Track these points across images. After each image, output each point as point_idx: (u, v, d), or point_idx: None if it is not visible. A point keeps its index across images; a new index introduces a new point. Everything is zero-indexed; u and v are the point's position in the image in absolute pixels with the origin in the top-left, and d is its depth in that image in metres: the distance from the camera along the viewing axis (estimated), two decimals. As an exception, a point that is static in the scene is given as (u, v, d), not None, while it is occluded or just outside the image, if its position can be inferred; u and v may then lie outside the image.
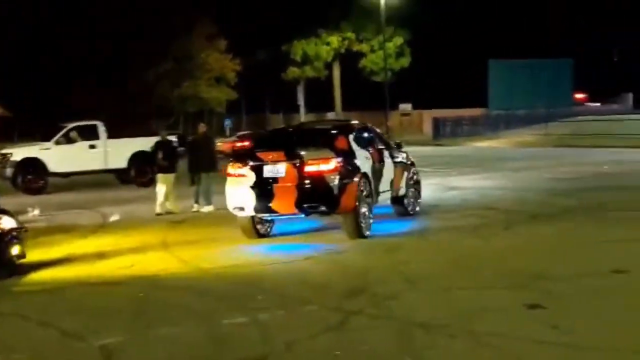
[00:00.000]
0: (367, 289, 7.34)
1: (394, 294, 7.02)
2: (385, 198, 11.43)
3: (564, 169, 20.88)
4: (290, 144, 10.40)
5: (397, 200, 11.97)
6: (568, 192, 14.82)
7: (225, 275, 8.40)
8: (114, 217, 13.95)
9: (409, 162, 12.41)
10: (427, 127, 51.31)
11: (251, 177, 10.04)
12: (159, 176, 14.42)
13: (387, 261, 8.78)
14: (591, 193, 14.44)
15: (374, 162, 10.89)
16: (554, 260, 8.44)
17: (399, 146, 12.47)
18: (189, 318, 6.63)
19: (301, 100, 66.20)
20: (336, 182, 9.83)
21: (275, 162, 10.01)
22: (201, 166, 14.45)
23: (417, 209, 12.40)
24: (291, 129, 12.73)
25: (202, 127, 15.50)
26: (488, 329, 5.79)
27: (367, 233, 10.22)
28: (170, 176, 14.39)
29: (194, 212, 14.29)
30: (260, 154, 10.22)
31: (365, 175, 10.39)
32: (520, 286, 7.12)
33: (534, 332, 5.68)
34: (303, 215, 10.29)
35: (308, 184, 9.86)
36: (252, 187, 9.99)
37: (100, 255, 9.97)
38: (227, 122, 58.10)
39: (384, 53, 49.70)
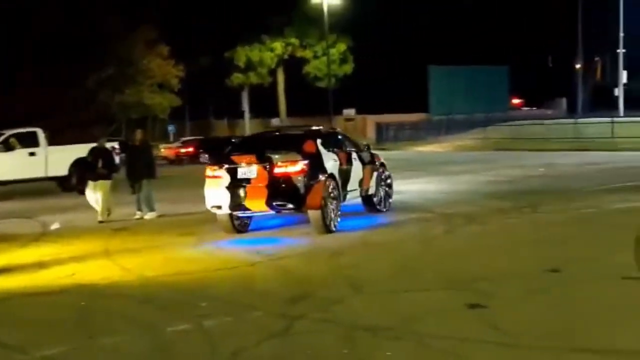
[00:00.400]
0: (312, 294, 7.40)
1: (339, 298, 7.10)
2: (353, 196, 12.38)
3: (502, 172, 21.47)
4: (262, 148, 11.32)
5: (367, 198, 13.00)
6: (505, 194, 15.24)
7: (169, 282, 8.34)
8: (55, 226, 13.67)
9: (378, 164, 13.40)
10: (371, 132, 51.83)
11: (226, 178, 10.98)
12: (96, 183, 14.14)
13: (331, 266, 8.86)
14: (527, 195, 14.91)
15: (341, 164, 11.83)
16: (492, 261, 8.67)
17: (368, 148, 13.47)
18: (133, 327, 6.56)
19: (245, 106, 65.94)
20: (302, 182, 10.79)
21: (247, 164, 10.94)
22: (140, 173, 14.32)
23: (388, 206, 13.30)
24: (264, 135, 13.62)
25: (139, 134, 15.29)
26: (431, 331, 5.91)
27: (334, 228, 11.09)
28: (106, 183, 14.20)
29: (137, 219, 14.13)
30: (234, 158, 11.20)
31: (331, 175, 11.34)
32: (461, 287, 7.29)
33: (474, 332, 5.82)
34: (274, 213, 11.27)
35: (277, 184, 10.79)
36: (228, 188, 10.92)
37: (41, 265, 9.76)
38: (171, 128, 57.54)
39: (328, 59, 50.02)
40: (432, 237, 10.56)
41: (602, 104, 60.60)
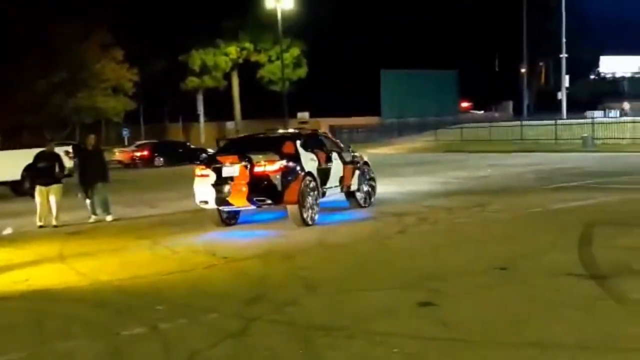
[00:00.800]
0: (267, 295, 7.50)
1: (294, 299, 7.21)
2: (333, 193, 13.47)
3: (453, 173, 21.94)
4: (244, 149, 12.38)
5: (350, 194, 14.18)
6: (455, 195, 15.62)
7: (124, 286, 8.33)
8: (7, 231, 13.46)
9: (361, 162, 14.49)
10: (325, 135, 52.06)
11: (212, 176, 12.04)
12: (49, 188, 13.98)
13: (286, 266, 8.97)
14: (476, 195, 15.33)
15: (320, 163, 12.84)
16: (442, 259, 8.91)
17: (350, 149, 14.62)
18: (88, 331, 6.56)
19: (201, 110, 65.55)
20: (280, 180, 11.80)
21: (231, 164, 11.98)
22: (94, 177, 14.25)
23: (371, 202, 14.40)
24: (250, 137, 14.55)
25: (92, 139, 15.17)
26: (384, 329, 6.07)
27: (311, 222, 12.12)
28: (60, 187, 14.08)
29: (92, 223, 14.05)
30: (219, 158, 12.36)
31: (309, 174, 12.36)
32: (412, 286, 7.48)
33: (426, 329, 6.00)
34: (255, 207, 12.27)
35: (257, 182, 11.82)
36: (213, 185, 11.99)
37: (-7, 271, 9.64)
38: (125, 132, 56.88)
39: (282, 63, 50.09)
40: (386, 236, 10.78)
41: (546, 106, 62.20)
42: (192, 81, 60.14)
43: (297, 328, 6.26)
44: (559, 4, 54.14)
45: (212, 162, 12.36)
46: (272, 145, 12.52)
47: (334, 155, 13.58)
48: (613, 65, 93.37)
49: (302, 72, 60.84)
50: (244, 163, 11.90)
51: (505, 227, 11.12)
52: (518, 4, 64.03)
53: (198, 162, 12.90)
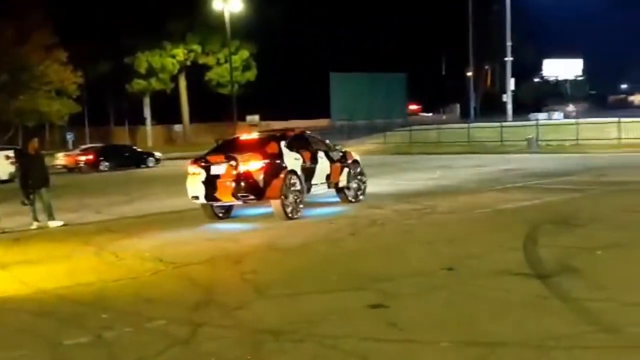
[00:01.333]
0: (215, 300, 7.40)
1: (243, 303, 7.13)
2: (319, 189, 14.36)
3: (401, 175, 22.17)
4: (231, 149, 13.47)
5: (339, 190, 15.16)
6: (404, 196, 15.75)
7: (68, 294, 8.11)
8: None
9: (350, 161, 15.34)
10: (276, 139, 52.05)
11: (202, 174, 13.08)
12: None
13: (234, 271, 8.88)
14: (424, 197, 15.48)
15: (304, 162, 13.75)
16: (392, 261, 8.96)
17: (337, 148, 15.46)
18: (31, 341, 6.36)
19: (147, 113, 64.69)
20: (262, 177, 12.78)
21: (218, 163, 13.01)
22: (37, 182, 13.91)
23: (361, 198, 15.29)
24: (239, 138, 15.13)
25: (34, 143, 14.78)
26: (334, 331, 6.04)
27: (295, 216, 13.02)
28: None
29: (34, 229, 13.69)
30: (209, 157, 13.39)
31: (292, 171, 13.29)
32: (363, 288, 7.48)
33: (375, 331, 6.00)
34: (240, 203, 13.28)
35: (241, 179, 12.78)
36: (203, 182, 13.04)
37: None
38: (70, 136, 55.77)
39: (230, 66, 49.92)
40: (336, 239, 10.77)
41: (493, 109, 63.47)
42: (138, 84, 59.35)
43: (245, 333, 6.19)
44: (504, 8, 55.29)
45: (202, 161, 13.30)
46: (258, 146, 13.55)
47: (321, 154, 14.48)
48: (556, 69, 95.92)
49: (252, 74, 60.65)
50: (229, 162, 12.89)
51: (454, 228, 11.24)
52: (464, 8, 65.17)
53: (191, 161, 14.04)
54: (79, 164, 37.98)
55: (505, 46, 56.71)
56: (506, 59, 57.58)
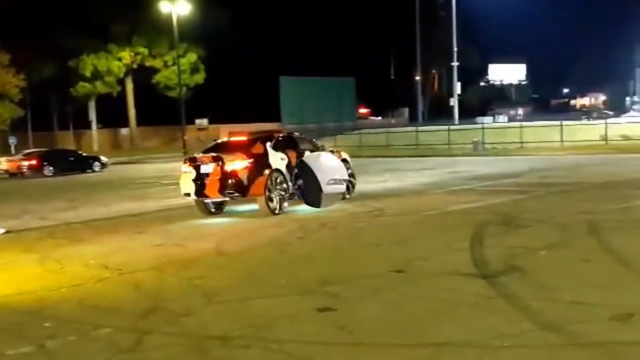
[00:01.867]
0: (162, 306, 7.29)
1: (189, 309, 7.04)
2: None
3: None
4: (219, 150, 14.50)
5: None
6: (354, 199, 15.82)
7: (10, 303, 7.89)
8: None
9: (340, 160, 16.02)
10: (225, 142, 51.80)
11: (193, 173, 14.12)
12: None
13: (181, 277, 8.75)
14: (374, 199, 15.58)
15: (290, 161, 14.66)
16: (342, 264, 8.97)
17: (324, 148, 16.38)
18: (-32, 352, 6.17)
19: (93, 116, 63.54)
20: (246, 176, 13.76)
21: (207, 162, 14.02)
22: None
23: (348, 196, 15.88)
24: (229, 139, 15.59)
25: None
26: (281, 336, 6.01)
27: (278, 211, 13.94)
28: None
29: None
30: (199, 157, 14.35)
31: (277, 170, 14.24)
32: (311, 291, 7.47)
33: (323, 334, 5.99)
34: (228, 199, 14.34)
35: (227, 177, 13.79)
36: (194, 180, 14.07)
37: None
38: (12, 140, 54.32)
39: (178, 69, 49.42)
40: (285, 242, 10.74)
41: (440, 113, 64.49)
42: (83, 87, 58.26)
43: (192, 339, 6.11)
44: (450, 14, 56.25)
45: (193, 161, 14.29)
46: (245, 147, 14.46)
47: (306, 154, 15.24)
48: (501, 73, 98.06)
49: (200, 77, 60.15)
50: (217, 162, 13.90)
51: (403, 230, 11.34)
52: (411, 14, 66.05)
53: (184, 160, 14.91)
54: (21, 169, 37.04)
55: (452, 51, 57.67)
56: (453, 63, 58.56)
